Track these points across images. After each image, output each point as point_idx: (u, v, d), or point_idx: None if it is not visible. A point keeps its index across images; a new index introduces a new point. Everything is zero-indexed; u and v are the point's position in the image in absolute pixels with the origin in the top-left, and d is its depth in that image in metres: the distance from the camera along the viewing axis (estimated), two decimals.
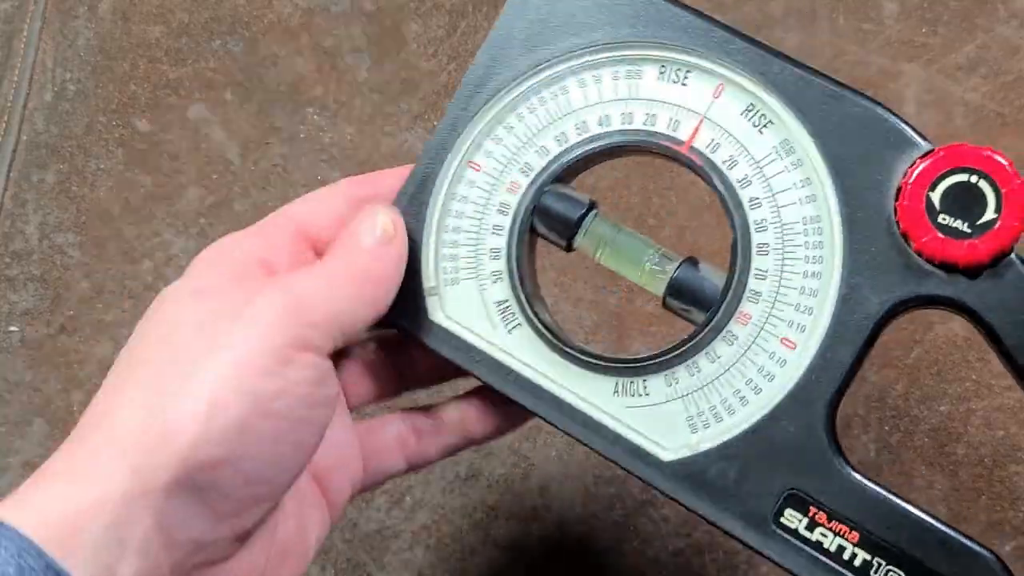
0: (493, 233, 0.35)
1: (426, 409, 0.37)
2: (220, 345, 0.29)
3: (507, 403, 0.35)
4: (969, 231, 0.31)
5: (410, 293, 0.35)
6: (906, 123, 0.32)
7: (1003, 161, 0.30)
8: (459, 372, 0.36)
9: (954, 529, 0.31)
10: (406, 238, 0.34)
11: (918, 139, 0.32)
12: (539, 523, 0.47)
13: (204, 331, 0.30)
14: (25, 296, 0.52)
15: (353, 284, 0.32)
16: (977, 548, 0.31)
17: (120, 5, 0.58)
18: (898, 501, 0.31)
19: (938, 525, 0.31)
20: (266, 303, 0.30)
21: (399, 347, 0.38)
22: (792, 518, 0.32)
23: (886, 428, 0.49)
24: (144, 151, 0.55)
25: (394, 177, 0.36)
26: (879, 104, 0.32)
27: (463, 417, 0.37)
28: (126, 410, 0.29)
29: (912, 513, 0.31)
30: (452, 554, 0.47)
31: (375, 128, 0.56)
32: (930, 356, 0.49)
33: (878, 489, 0.32)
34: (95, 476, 0.28)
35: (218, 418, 0.28)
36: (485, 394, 0.37)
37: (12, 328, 0.52)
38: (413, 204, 0.35)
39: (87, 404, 0.31)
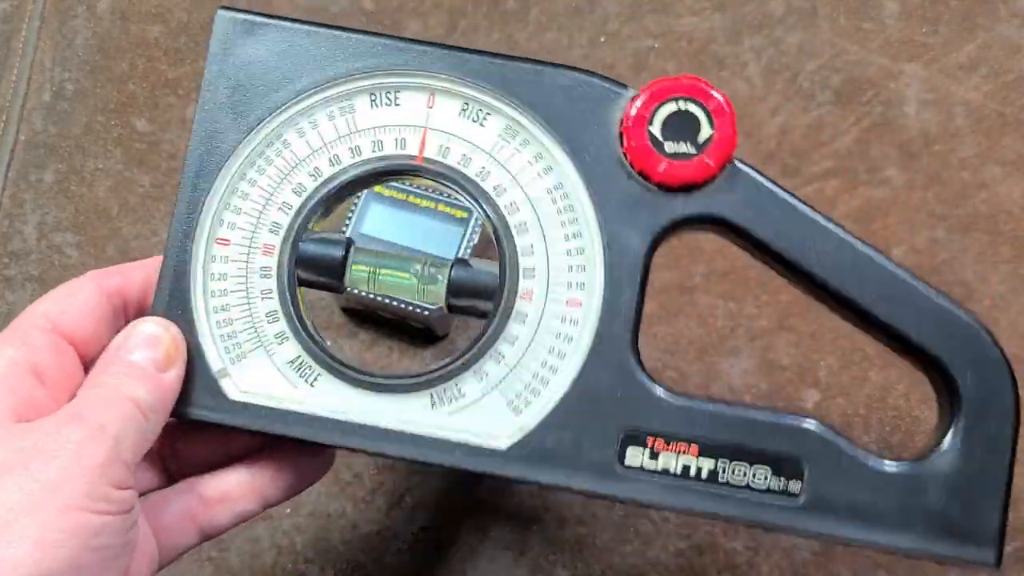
0: (264, 299, 0.36)
1: (213, 474, 0.37)
2: (43, 488, 0.30)
3: (305, 458, 0.36)
4: (695, 150, 0.34)
5: (200, 381, 0.35)
6: (607, 79, 0.35)
7: (700, 84, 0.34)
8: (230, 459, 0.37)
9: (773, 411, 0.34)
10: (184, 351, 0.35)
11: (622, 90, 0.35)
12: (539, 523, 0.47)
13: (15, 474, 0.30)
14: (23, 296, 0.52)
15: (144, 415, 0.33)
16: (801, 419, 0.34)
17: (119, 5, 0.58)
18: (718, 405, 0.34)
19: (759, 413, 0.34)
20: (84, 443, 0.31)
21: (175, 436, 0.38)
22: (635, 454, 0.34)
23: (887, 428, 0.49)
24: (143, 151, 0.55)
25: (143, 268, 0.37)
26: (579, 70, 0.35)
27: (253, 482, 0.37)
28: None
29: (733, 410, 0.34)
30: (452, 554, 0.47)
31: None
32: None
33: (698, 402, 0.34)
34: None
35: (47, 560, 0.29)
36: (273, 454, 0.37)
37: None
38: (175, 297, 0.35)
39: None
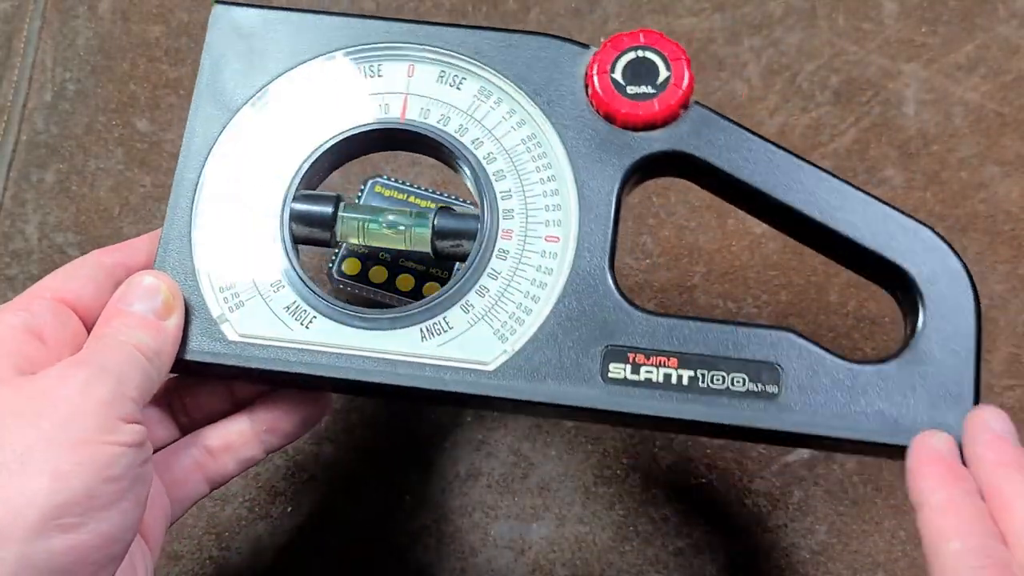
0: (270, 244, 0.38)
1: (215, 426, 0.39)
2: (54, 427, 0.31)
3: (302, 400, 0.39)
4: (655, 91, 0.38)
5: (200, 327, 0.37)
6: (572, 40, 0.39)
7: (656, 34, 0.38)
8: (239, 405, 0.39)
9: (744, 323, 0.36)
10: (182, 300, 0.37)
11: (584, 48, 0.39)
12: (539, 523, 0.47)
13: (25, 418, 0.31)
14: None
15: (149, 360, 0.34)
16: (772, 327, 0.36)
17: (120, 5, 0.58)
18: (693, 320, 0.36)
19: (731, 324, 0.36)
20: (89, 382, 0.32)
21: (169, 397, 0.40)
22: (617, 369, 0.36)
23: None
24: (144, 151, 0.55)
25: (144, 243, 0.39)
26: (546, 35, 0.39)
27: (253, 430, 0.39)
28: None
29: (707, 323, 0.36)
30: (452, 554, 0.47)
31: None
32: None
33: (673, 318, 0.36)
34: None
35: (63, 491, 0.30)
36: (273, 401, 0.39)
37: None
38: (177, 253, 0.38)
39: None
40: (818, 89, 0.55)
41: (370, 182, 0.50)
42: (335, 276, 0.48)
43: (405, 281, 0.48)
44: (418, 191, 0.50)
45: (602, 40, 0.39)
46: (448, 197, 0.50)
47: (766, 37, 0.56)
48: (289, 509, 0.49)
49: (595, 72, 0.38)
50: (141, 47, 0.57)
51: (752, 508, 0.48)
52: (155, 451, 0.38)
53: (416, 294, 0.48)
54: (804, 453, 0.49)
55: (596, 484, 0.48)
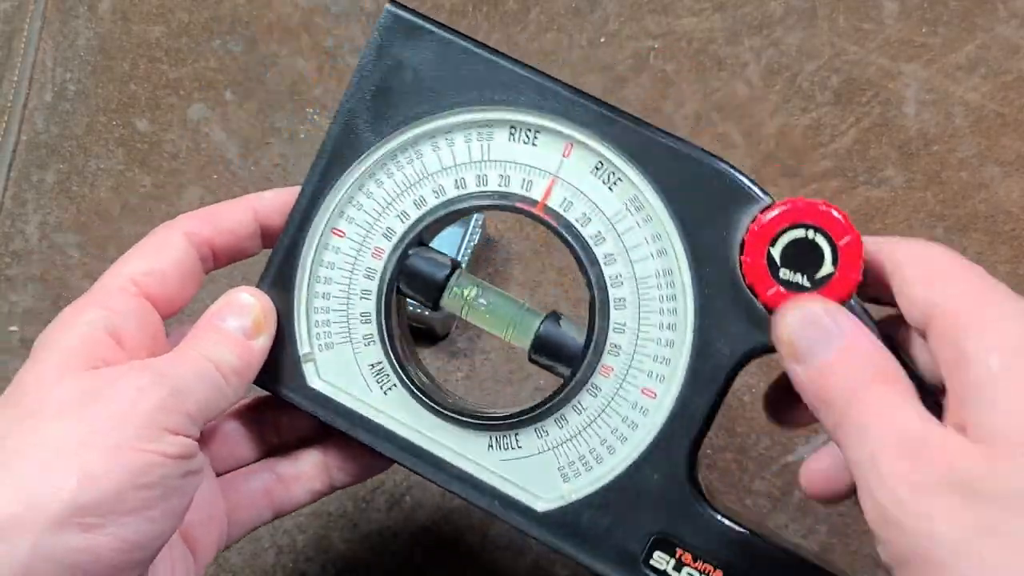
0: (362, 298, 0.36)
1: (287, 455, 0.38)
2: (93, 431, 0.31)
3: (371, 454, 0.36)
4: (809, 285, 0.31)
5: (285, 360, 0.36)
6: (746, 176, 0.33)
7: (837, 215, 0.31)
8: (322, 435, 0.38)
9: (815, 560, 0.33)
10: (275, 322, 0.36)
11: (759, 193, 0.32)
12: None
13: (70, 414, 0.31)
14: (25, 296, 0.52)
15: (225, 377, 0.34)
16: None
17: (120, 5, 0.58)
18: (757, 538, 0.33)
19: (795, 554, 0.33)
20: (144, 388, 0.32)
21: (263, 414, 0.39)
22: (660, 560, 0.34)
23: None
24: (144, 151, 0.55)
25: (233, 210, 0.37)
26: (720, 159, 0.33)
27: (326, 464, 0.38)
28: None
29: (771, 548, 0.33)
30: (452, 554, 0.47)
31: None
32: None
33: (738, 528, 0.33)
34: None
35: (90, 491, 0.30)
36: (344, 443, 0.38)
37: (12, 328, 0.51)
38: (281, 273, 0.36)
39: None
40: (818, 89, 0.55)
41: None
42: None
43: None
44: None
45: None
46: None
47: (766, 37, 0.56)
48: None
49: (755, 236, 0.32)
50: (141, 47, 0.57)
51: (753, 508, 0.48)
52: (232, 470, 0.38)
53: None
54: (804, 453, 0.49)
55: None
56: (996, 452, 0.26)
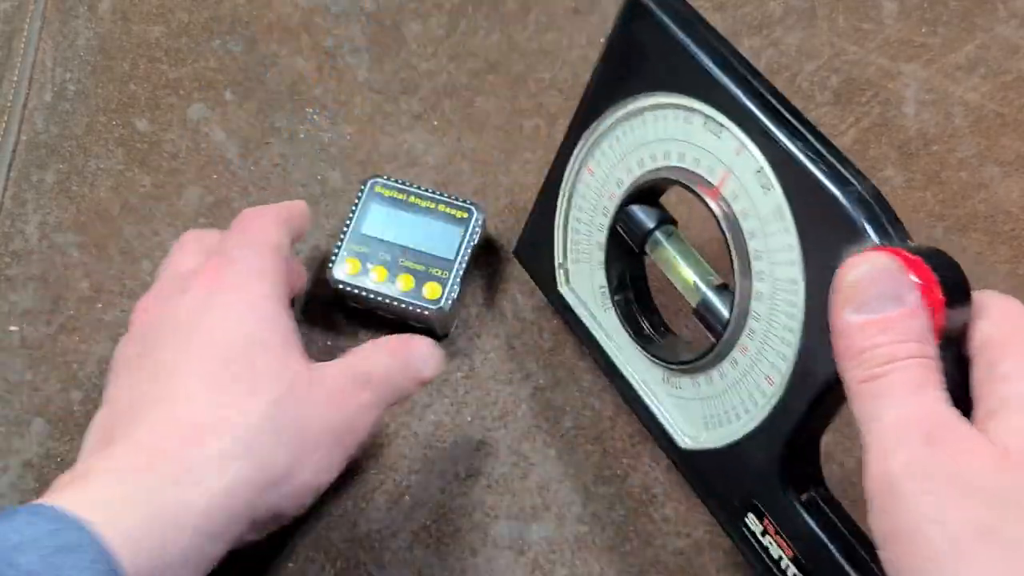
0: (598, 231, 0.44)
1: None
2: (334, 431, 0.40)
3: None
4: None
5: (546, 264, 0.47)
6: (862, 216, 0.33)
7: (925, 267, 0.31)
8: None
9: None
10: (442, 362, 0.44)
11: (871, 234, 0.33)
12: (539, 523, 0.47)
13: (316, 409, 0.40)
14: (25, 296, 0.52)
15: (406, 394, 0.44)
16: None
17: (120, 5, 0.58)
18: (826, 540, 0.36)
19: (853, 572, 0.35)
20: (370, 408, 0.42)
21: None
22: (753, 522, 0.38)
23: None
24: (144, 151, 0.55)
25: (292, 217, 0.46)
26: (852, 183, 0.34)
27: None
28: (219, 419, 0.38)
29: (836, 556, 0.35)
30: (452, 554, 0.47)
31: (375, 128, 0.56)
32: None
33: (813, 525, 0.36)
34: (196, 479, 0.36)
35: (320, 479, 0.40)
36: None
37: (12, 328, 0.51)
38: (546, 194, 0.46)
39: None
40: (818, 89, 0.55)
41: (370, 182, 0.50)
42: (334, 277, 0.48)
43: (405, 281, 0.48)
44: (418, 191, 0.50)
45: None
46: (448, 197, 0.50)
47: (766, 37, 0.56)
48: None
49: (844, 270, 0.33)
50: (141, 47, 0.57)
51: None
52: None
53: (416, 294, 0.48)
54: None
55: (596, 484, 0.48)
56: (1011, 459, 0.27)
